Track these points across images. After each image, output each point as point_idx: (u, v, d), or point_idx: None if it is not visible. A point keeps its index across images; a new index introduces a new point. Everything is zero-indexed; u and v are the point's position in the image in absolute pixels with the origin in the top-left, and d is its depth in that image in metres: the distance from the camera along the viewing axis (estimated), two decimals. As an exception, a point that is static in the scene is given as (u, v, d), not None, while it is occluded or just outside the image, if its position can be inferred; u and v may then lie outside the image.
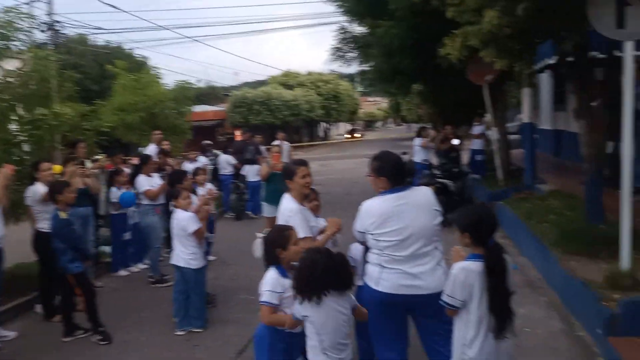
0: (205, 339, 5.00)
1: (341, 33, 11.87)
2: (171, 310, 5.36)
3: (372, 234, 3.18)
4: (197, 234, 5.12)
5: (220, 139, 30.56)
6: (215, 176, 11.32)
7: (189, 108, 14.04)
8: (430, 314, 3.16)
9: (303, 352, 2.99)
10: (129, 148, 16.34)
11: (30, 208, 5.72)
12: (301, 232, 3.51)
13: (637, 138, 6.73)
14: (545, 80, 15.08)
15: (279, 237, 3.18)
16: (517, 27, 4.59)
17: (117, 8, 19.26)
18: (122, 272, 7.38)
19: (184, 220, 5.14)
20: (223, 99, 42.57)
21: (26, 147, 6.76)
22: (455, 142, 13.38)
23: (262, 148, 12.21)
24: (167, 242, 6.87)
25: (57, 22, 17.50)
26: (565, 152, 13.02)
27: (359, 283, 3.37)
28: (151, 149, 9.10)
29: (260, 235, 3.22)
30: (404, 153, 12.90)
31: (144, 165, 7.13)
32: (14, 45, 6.68)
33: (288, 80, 44.07)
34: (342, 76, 51.87)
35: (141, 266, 7.59)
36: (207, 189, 7.42)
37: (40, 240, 5.59)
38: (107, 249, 7.62)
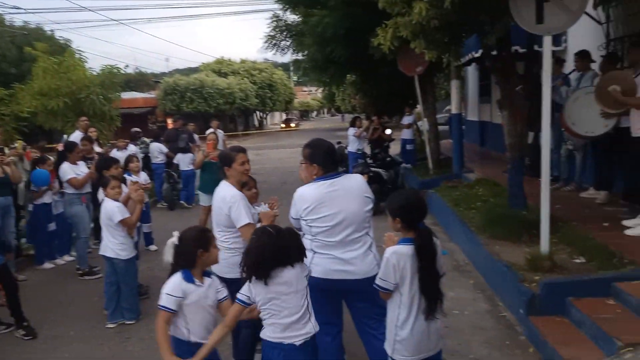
0: (138, 331, 4.88)
1: (275, 21, 11.78)
2: (102, 303, 5.19)
3: (305, 220, 3.23)
4: (123, 223, 4.97)
5: (151, 127, 29.66)
6: (146, 165, 10.98)
7: (117, 94, 13.51)
8: (363, 298, 3.24)
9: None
10: (52, 135, 15.52)
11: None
12: (246, 219, 3.54)
13: (555, 129, 7.20)
14: (471, 73, 15.70)
15: (201, 237, 2.92)
16: (445, 20, 4.74)
17: (36, -13, 18.11)
18: (48, 265, 7.04)
19: (111, 209, 4.98)
20: (154, 86, 41.25)
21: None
22: (388, 132, 13.71)
23: (196, 136, 11.97)
24: (97, 232, 6.63)
25: (-31, 0, 16.23)
26: (490, 142, 13.65)
27: None
28: (77, 136, 8.69)
29: (176, 234, 2.94)
30: (339, 143, 13.10)
31: (69, 153, 6.81)
32: None
33: (222, 67, 43.32)
34: (277, 65, 51.64)
35: (68, 258, 7.28)
36: (141, 178, 7.23)
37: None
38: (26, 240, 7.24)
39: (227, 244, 3.61)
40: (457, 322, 4.62)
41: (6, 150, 7.02)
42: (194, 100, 35.33)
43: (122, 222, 4.97)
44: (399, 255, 2.75)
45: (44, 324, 5.05)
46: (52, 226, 7.02)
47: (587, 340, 3.78)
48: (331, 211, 3.17)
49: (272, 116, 65.77)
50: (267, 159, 21.62)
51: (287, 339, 2.69)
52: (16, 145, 7.99)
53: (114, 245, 5.01)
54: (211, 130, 11.48)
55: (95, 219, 6.69)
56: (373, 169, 9.68)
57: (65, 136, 10.17)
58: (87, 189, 6.81)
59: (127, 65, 31.95)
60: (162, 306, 2.82)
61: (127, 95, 29.13)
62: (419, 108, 12.25)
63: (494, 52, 6.04)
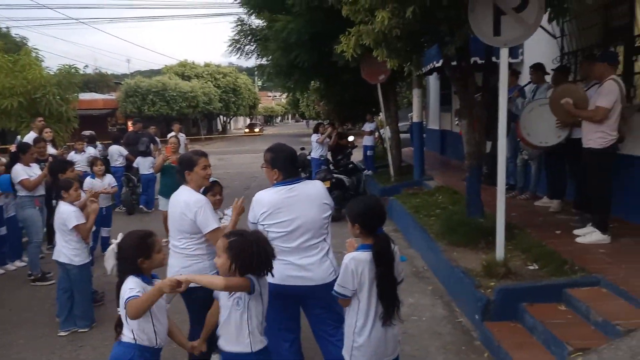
0: (91, 339, 4.74)
1: (239, 25, 11.71)
2: (54, 310, 5.02)
3: (262, 225, 3.21)
4: (78, 229, 4.83)
5: (111, 129, 29.03)
6: (106, 168, 10.70)
7: (75, 95, 13.14)
8: (320, 304, 3.25)
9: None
10: (6, 136, 14.98)
11: None
12: (214, 223, 3.49)
13: (511, 139, 7.41)
14: (433, 83, 16.01)
15: (141, 245, 2.78)
16: (406, 29, 4.82)
17: (-9, -18, 17.48)
18: (-2, 270, 6.76)
19: (67, 213, 4.83)
20: (114, 88, 40.37)
21: None
22: (351, 138, 13.83)
23: (157, 139, 11.77)
24: (50, 237, 6.42)
25: None
26: (450, 150, 13.92)
27: None
28: (31, 137, 8.42)
29: (115, 242, 2.84)
30: (302, 149, 13.12)
31: (22, 154, 6.58)
32: None
33: (185, 70, 42.83)
34: (241, 69, 51.38)
35: (19, 264, 7.01)
36: (106, 181, 7.07)
37: None
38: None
39: (189, 251, 3.52)
40: (415, 328, 4.67)
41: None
42: (156, 102, 34.78)
43: (76, 228, 4.82)
44: (357, 261, 2.76)
45: (-9, 332, 4.85)
46: (3, 230, 6.76)
47: (539, 345, 3.88)
48: (289, 217, 3.16)
49: (236, 121, 65.33)
50: (230, 163, 21.45)
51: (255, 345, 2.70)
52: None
53: (67, 250, 4.86)
54: (173, 133, 11.32)
55: (48, 223, 6.49)
56: (335, 175, 9.74)
57: (19, 137, 9.84)
58: (41, 191, 6.60)
59: (86, 66, 31.32)
60: (128, 298, 2.62)
61: (86, 96, 28.42)
62: (382, 116, 12.39)
63: (454, 63, 6.16)
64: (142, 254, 2.76)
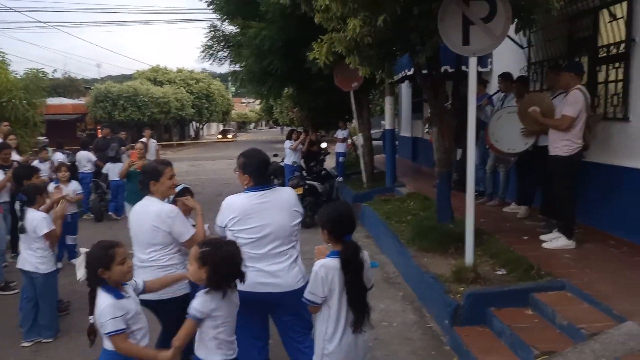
0: (56, 350, 4.62)
1: (212, 31, 11.66)
2: (18, 319, 4.88)
3: (231, 230, 3.19)
4: (48, 236, 4.71)
5: (80, 134, 28.47)
6: (73, 174, 10.48)
7: (42, 99, 12.87)
8: (289, 311, 3.24)
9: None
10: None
11: None
12: (191, 230, 3.47)
13: (481, 146, 7.54)
14: (405, 90, 16.18)
15: (102, 256, 2.73)
16: (378, 38, 4.88)
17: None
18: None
19: (38, 220, 4.70)
20: (84, 92, 39.60)
21: None
22: (324, 145, 13.88)
23: (127, 145, 11.60)
24: (14, 244, 6.25)
25: None
26: (422, 157, 14.08)
27: None
28: (-5, 143, 8.18)
29: (84, 251, 2.81)
30: (275, 155, 13.10)
31: (-15, 160, 6.40)
32: None
33: (157, 76, 42.36)
34: (215, 75, 51.05)
35: (-20, 273, 6.78)
36: (71, 188, 6.93)
37: None
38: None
39: (162, 262, 3.42)
40: (386, 334, 4.69)
41: None
42: (127, 108, 34.25)
43: (47, 235, 4.70)
44: (327, 268, 2.76)
45: (-49, 343, 4.67)
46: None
47: (507, 349, 3.94)
48: (258, 223, 3.15)
49: (209, 127, 64.82)
50: (203, 170, 21.26)
51: (227, 355, 2.70)
52: None
53: (33, 258, 4.73)
54: (143, 139, 11.18)
55: (13, 230, 6.32)
56: (308, 182, 9.74)
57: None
58: (5, 198, 6.43)
59: (55, 70, 30.64)
60: (114, 331, 2.65)
61: (54, 100, 27.82)
62: (355, 123, 12.47)
63: (425, 71, 6.25)
64: (101, 265, 2.71)
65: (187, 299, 2.84)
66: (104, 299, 2.70)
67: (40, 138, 10.72)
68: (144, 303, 3.01)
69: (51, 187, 6.70)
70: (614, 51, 5.66)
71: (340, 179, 12.55)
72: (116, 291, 2.74)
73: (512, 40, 6.89)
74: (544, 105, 5.66)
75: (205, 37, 11.67)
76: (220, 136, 54.02)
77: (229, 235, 3.20)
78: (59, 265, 5.78)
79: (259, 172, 3.27)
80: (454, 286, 4.70)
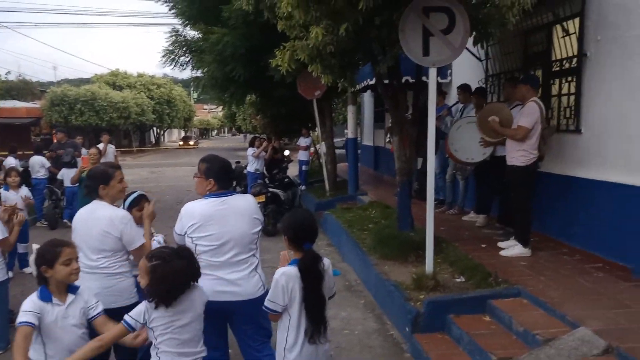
0: (5, 363, 4.43)
1: (174, 36, 11.50)
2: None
3: (190, 237, 3.12)
4: (1, 244, 4.51)
5: (34, 139, 27.54)
6: (26, 180, 10.12)
7: (-7, 103, 12.40)
8: (247, 319, 3.20)
9: None
10: None
11: None
12: (142, 238, 3.36)
13: (440, 155, 7.68)
14: (367, 100, 16.36)
15: (47, 253, 2.68)
16: (340, 46, 4.91)
17: None
18: None
19: None
20: (39, 95, 38.38)
21: None
22: (287, 152, 13.87)
23: (84, 150, 11.28)
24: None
25: None
26: (383, 166, 14.22)
27: None
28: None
29: (35, 247, 2.75)
30: (237, 162, 12.99)
31: None
32: None
33: (116, 80, 41.51)
34: (177, 81, 50.35)
35: None
36: (21, 193, 6.68)
37: None
38: None
39: (111, 270, 3.31)
40: (347, 342, 4.69)
41: None
42: (84, 112, 33.41)
43: (1, 243, 4.51)
44: (287, 276, 2.73)
45: None
46: None
47: (465, 356, 4.00)
48: (218, 230, 3.10)
49: (170, 133, 63.88)
50: (163, 177, 20.88)
51: None
52: None
53: (-19, 267, 4.53)
54: (101, 145, 10.92)
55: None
56: (271, 189, 9.69)
57: None
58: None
59: (8, 72, 29.61)
60: (20, 322, 2.57)
61: (7, 104, 26.90)
62: (318, 131, 12.51)
63: (386, 81, 6.32)
64: (44, 262, 2.64)
65: (134, 307, 2.76)
66: (30, 297, 2.66)
67: None
68: (107, 310, 2.93)
69: (1, 194, 6.47)
70: (567, 65, 5.86)
71: (302, 186, 12.55)
72: (47, 294, 2.67)
73: (471, 52, 7.06)
74: (503, 116, 5.82)
75: (167, 41, 11.50)
76: (181, 143, 53.31)
77: (188, 243, 3.13)
78: (10, 274, 5.55)
79: (223, 174, 3.24)
80: (414, 294, 4.74)
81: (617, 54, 5.04)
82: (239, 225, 3.16)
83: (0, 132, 12.55)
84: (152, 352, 2.65)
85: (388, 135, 11.50)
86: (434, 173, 4.97)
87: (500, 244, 5.72)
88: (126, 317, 2.62)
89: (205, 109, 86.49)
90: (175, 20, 11.34)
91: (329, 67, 5.59)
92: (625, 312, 3.89)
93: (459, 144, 6.48)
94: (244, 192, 11.32)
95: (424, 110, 5.05)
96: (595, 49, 5.35)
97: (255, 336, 3.22)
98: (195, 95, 51.32)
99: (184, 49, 11.54)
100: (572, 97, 5.76)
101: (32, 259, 2.73)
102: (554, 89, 6.21)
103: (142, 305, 2.62)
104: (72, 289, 2.77)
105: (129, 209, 3.73)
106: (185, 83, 42.50)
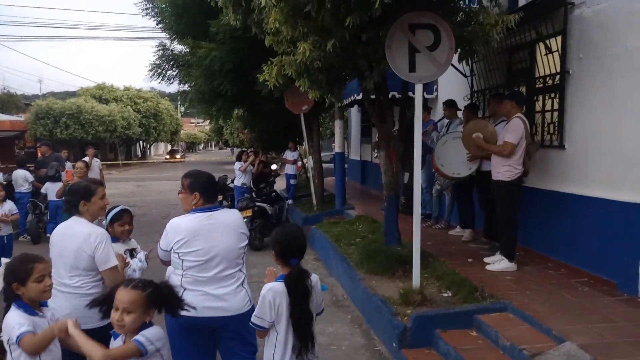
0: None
1: (161, 50, 11.52)
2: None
3: (177, 253, 3.08)
4: None
5: (19, 152, 27.25)
6: (10, 194, 9.97)
7: (-23, 115, 12.26)
8: (233, 335, 3.16)
9: None
10: None
11: None
12: (114, 260, 3.22)
13: (427, 170, 7.73)
14: (354, 115, 16.45)
15: (18, 269, 2.56)
16: (327, 62, 4.96)
17: None
18: None
19: None
20: (24, 109, 38.05)
21: None
22: (274, 167, 13.86)
23: (69, 164, 11.17)
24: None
25: None
26: (370, 180, 14.27)
27: None
28: None
29: (5, 261, 2.66)
30: (225, 176, 12.95)
31: None
32: None
33: (103, 94, 41.28)
34: (164, 95, 50.24)
35: None
36: (6, 208, 6.60)
37: None
38: None
39: (84, 290, 3.17)
40: (334, 357, 4.66)
41: None
42: (69, 126, 33.13)
43: None
44: (274, 292, 2.71)
45: None
46: None
47: (452, 371, 3.99)
48: (205, 245, 3.07)
49: (157, 147, 63.57)
50: (149, 190, 20.73)
51: None
52: None
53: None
54: (86, 158, 10.82)
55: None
56: (258, 203, 9.65)
57: None
58: None
59: (-7, 85, 29.26)
60: (21, 333, 2.44)
61: (-10, 116, 26.54)
62: (305, 145, 12.53)
63: (373, 96, 6.37)
64: (16, 279, 2.54)
65: (108, 328, 2.64)
66: (13, 313, 2.54)
67: None
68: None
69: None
70: (550, 82, 5.96)
71: (290, 201, 12.53)
72: (29, 308, 2.57)
73: (456, 69, 7.15)
74: (487, 132, 5.89)
75: (154, 55, 11.51)
76: (168, 156, 53.05)
77: (174, 259, 3.10)
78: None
79: (208, 187, 3.21)
80: (401, 308, 4.73)
81: (598, 72, 5.14)
82: (226, 240, 3.14)
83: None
84: None
85: (375, 150, 11.56)
86: (420, 187, 4.99)
87: (486, 259, 5.75)
88: (140, 338, 2.45)
89: (192, 123, 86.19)
90: (163, 35, 11.38)
91: (316, 82, 5.63)
92: (611, 327, 3.92)
93: (445, 159, 6.54)
94: (231, 205, 11.27)
95: (411, 125, 5.09)
96: (577, 67, 5.45)
97: (240, 352, 3.18)
98: (182, 109, 51.32)
99: (171, 63, 11.56)
100: (556, 114, 5.85)
101: (1, 272, 2.62)
102: (538, 105, 6.29)
103: (159, 328, 2.53)
104: (43, 303, 2.71)
105: (111, 223, 3.65)
106: (172, 97, 42.49)
